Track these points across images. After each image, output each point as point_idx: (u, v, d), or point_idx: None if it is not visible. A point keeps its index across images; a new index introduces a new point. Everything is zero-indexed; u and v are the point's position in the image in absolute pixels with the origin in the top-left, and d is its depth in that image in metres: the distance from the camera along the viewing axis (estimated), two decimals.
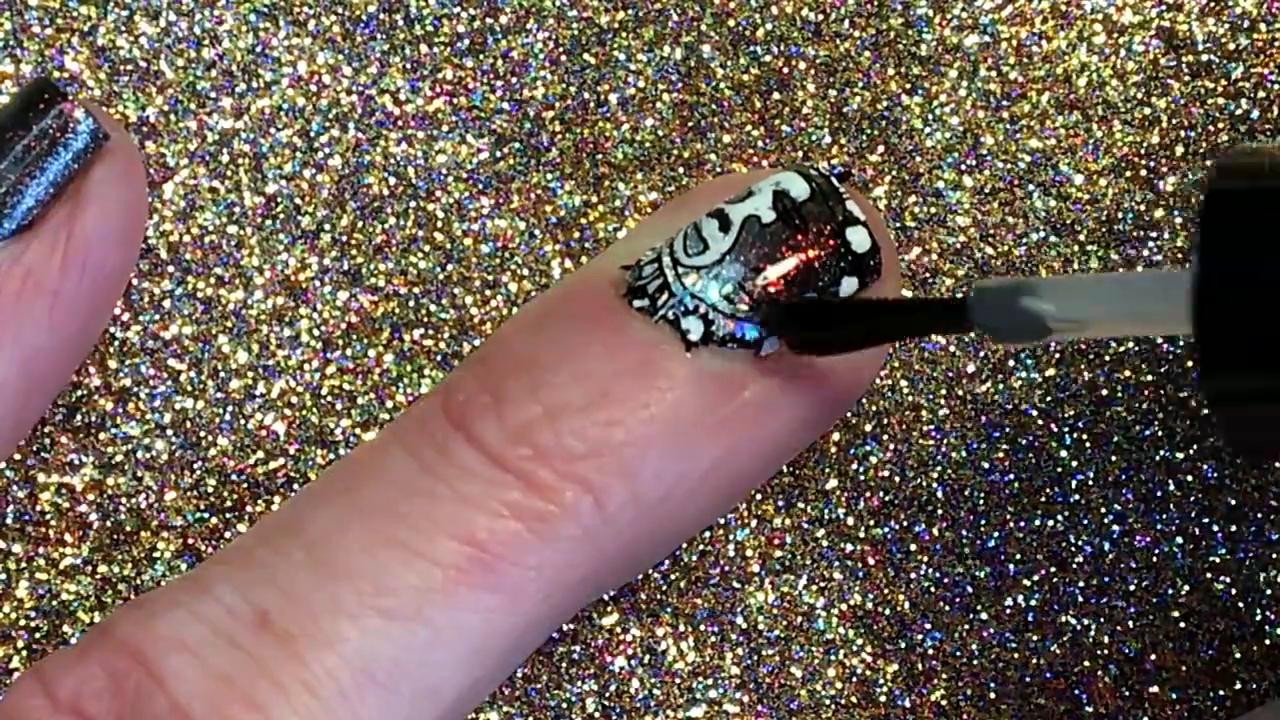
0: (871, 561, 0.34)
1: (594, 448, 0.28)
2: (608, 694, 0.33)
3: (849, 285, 0.29)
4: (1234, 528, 0.34)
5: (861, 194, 0.30)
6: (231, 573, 0.28)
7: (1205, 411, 0.34)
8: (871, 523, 0.34)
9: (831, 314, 0.29)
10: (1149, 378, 0.34)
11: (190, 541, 0.33)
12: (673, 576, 0.33)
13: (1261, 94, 0.34)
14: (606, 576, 0.30)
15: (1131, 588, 0.34)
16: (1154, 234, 0.34)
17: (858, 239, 0.29)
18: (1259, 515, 0.34)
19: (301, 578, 0.28)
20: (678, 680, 0.33)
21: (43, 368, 0.31)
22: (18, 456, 0.33)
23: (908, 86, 0.34)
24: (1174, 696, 0.34)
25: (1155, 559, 0.34)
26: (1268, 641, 0.34)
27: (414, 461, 0.29)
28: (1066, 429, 0.34)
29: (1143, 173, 0.34)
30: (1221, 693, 0.34)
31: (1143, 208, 0.34)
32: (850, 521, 0.34)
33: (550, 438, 0.28)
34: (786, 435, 0.30)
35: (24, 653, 0.33)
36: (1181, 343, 0.34)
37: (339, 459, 0.31)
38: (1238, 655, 0.34)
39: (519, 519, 0.28)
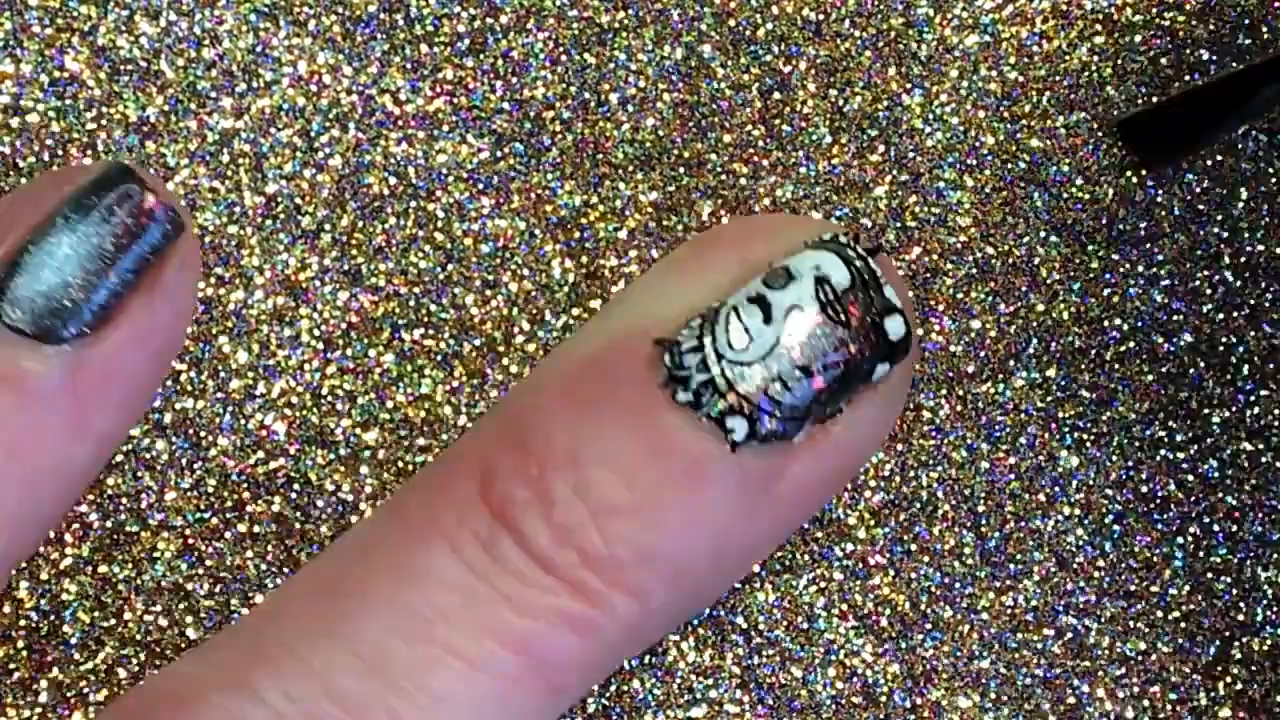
0: (871, 561, 0.34)
1: (641, 556, 0.28)
2: (608, 694, 0.33)
3: (882, 370, 0.29)
4: (1234, 528, 0.34)
5: (890, 263, 0.30)
6: (279, 677, 0.28)
7: (1205, 411, 0.34)
8: (871, 523, 0.34)
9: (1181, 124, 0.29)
10: (1149, 378, 0.34)
11: (190, 541, 0.33)
12: None
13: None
14: (638, 650, 0.30)
15: (1131, 588, 0.34)
16: (1154, 234, 0.34)
17: (894, 327, 0.29)
18: (1259, 515, 0.34)
19: (355, 688, 0.27)
20: (678, 680, 0.33)
21: (112, 448, 0.31)
22: None
23: (908, 86, 0.34)
24: (1174, 696, 0.34)
25: (1155, 559, 0.34)
26: (1268, 641, 0.34)
27: (460, 562, 0.28)
28: (1066, 429, 0.34)
29: (1143, 173, 0.34)
30: (1221, 693, 0.34)
31: (1143, 208, 0.34)
32: (850, 521, 0.34)
33: (598, 544, 0.28)
34: (812, 508, 0.31)
35: (24, 653, 0.33)
36: (1179, 344, 0.34)
37: (366, 523, 0.30)
38: (1238, 655, 0.34)
39: (569, 626, 0.28)
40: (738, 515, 0.29)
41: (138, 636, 0.33)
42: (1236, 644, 0.34)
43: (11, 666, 0.33)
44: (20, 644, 0.33)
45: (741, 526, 0.29)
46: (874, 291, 0.29)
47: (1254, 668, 0.34)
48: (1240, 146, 0.34)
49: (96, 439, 0.30)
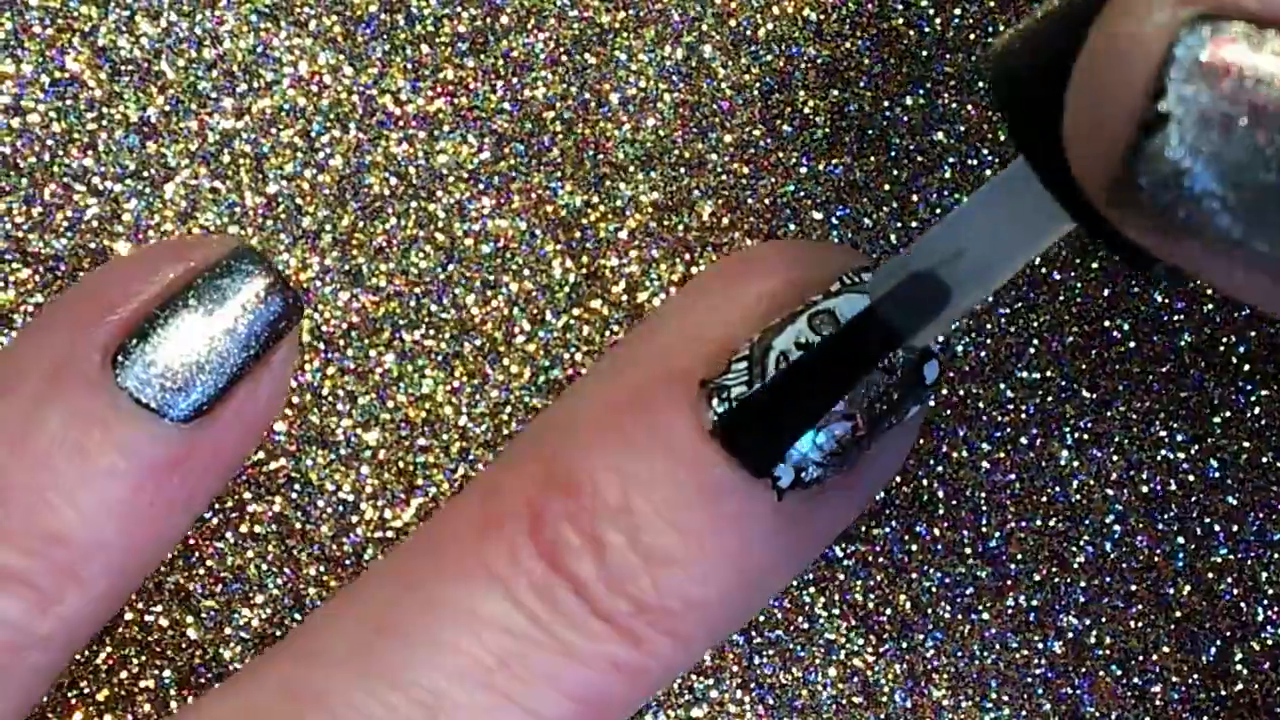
0: (871, 561, 0.34)
1: (690, 605, 0.29)
2: None
3: (913, 410, 0.29)
4: (1234, 528, 0.34)
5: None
6: None
7: (1205, 411, 0.34)
8: (871, 523, 0.34)
9: (770, 424, 0.29)
10: (1150, 378, 0.34)
11: (190, 541, 0.33)
12: None
13: None
14: (669, 684, 0.31)
15: (1132, 588, 0.34)
16: None
17: (930, 372, 0.29)
18: (1259, 515, 0.34)
19: None
20: (679, 680, 0.33)
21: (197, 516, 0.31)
22: None
23: (908, 86, 0.34)
24: (1174, 696, 0.34)
25: (1155, 559, 0.34)
26: (1268, 641, 0.34)
27: (517, 608, 0.28)
28: (1066, 429, 0.34)
29: None
30: (1222, 693, 0.34)
31: None
32: None
33: (651, 594, 0.28)
34: (836, 535, 0.31)
35: None
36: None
37: (405, 558, 0.30)
38: (1238, 655, 0.34)
39: (621, 673, 0.29)
40: (777, 556, 0.29)
41: (138, 636, 0.33)
42: (1237, 644, 0.34)
43: None
44: None
45: (779, 565, 0.30)
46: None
47: (1254, 668, 0.34)
48: None
49: (193, 512, 0.30)
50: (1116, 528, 0.34)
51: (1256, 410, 0.34)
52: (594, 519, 0.28)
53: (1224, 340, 0.34)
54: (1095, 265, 0.34)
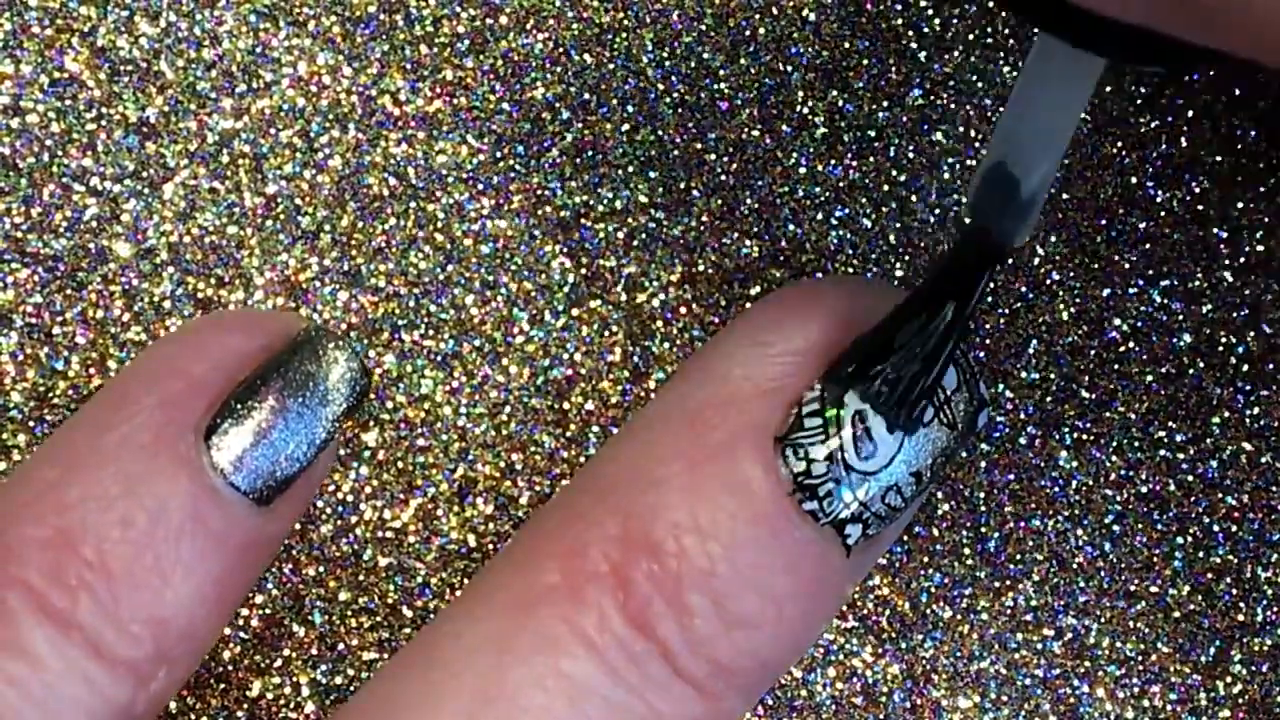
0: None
1: (764, 664, 0.29)
2: None
3: (960, 453, 0.30)
4: (1234, 528, 0.34)
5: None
6: None
7: (1205, 411, 0.34)
8: None
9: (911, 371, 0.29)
10: (1149, 378, 0.34)
11: None
12: None
13: (1260, 96, 0.34)
14: None
15: (1131, 588, 0.34)
16: (1154, 234, 0.34)
17: (982, 420, 0.30)
18: (1259, 515, 0.34)
19: None
20: None
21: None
22: (16, 456, 0.33)
23: (908, 86, 0.34)
24: (1174, 696, 0.34)
25: (1155, 559, 0.34)
26: (1268, 641, 0.34)
27: (607, 673, 0.28)
28: (1066, 429, 0.34)
29: (1143, 173, 0.34)
30: (1221, 693, 0.34)
31: (1143, 208, 0.34)
32: None
33: (731, 656, 0.29)
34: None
35: None
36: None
37: (484, 619, 0.30)
38: (1238, 655, 0.34)
39: None
40: (837, 605, 0.30)
41: None
42: (1236, 644, 0.34)
43: None
44: None
45: (835, 611, 0.31)
46: (972, 388, 0.30)
47: (1254, 668, 0.34)
48: (1240, 146, 0.34)
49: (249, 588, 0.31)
50: (1116, 528, 0.34)
51: (1256, 410, 0.34)
52: (680, 583, 0.28)
53: (1224, 340, 0.34)
54: (1095, 265, 0.34)
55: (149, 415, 0.29)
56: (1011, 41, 0.34)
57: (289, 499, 0.30)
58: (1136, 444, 0.34)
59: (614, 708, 0.28)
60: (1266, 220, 0.34)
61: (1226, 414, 0.34)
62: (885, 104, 0.34)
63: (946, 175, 0.34)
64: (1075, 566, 0.34)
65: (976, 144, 0.34)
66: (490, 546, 0.34)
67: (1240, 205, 0.34)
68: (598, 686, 0.28)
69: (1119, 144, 0.34)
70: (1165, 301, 0.34)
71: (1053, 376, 0.34)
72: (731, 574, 0.28)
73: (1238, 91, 0.34)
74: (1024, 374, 0.34)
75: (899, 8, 0.34)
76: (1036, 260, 0.34)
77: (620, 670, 0.28)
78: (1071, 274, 0.34)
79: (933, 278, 0.29)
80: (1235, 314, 0.34)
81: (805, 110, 0.34)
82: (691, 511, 0.29)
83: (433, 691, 0.28)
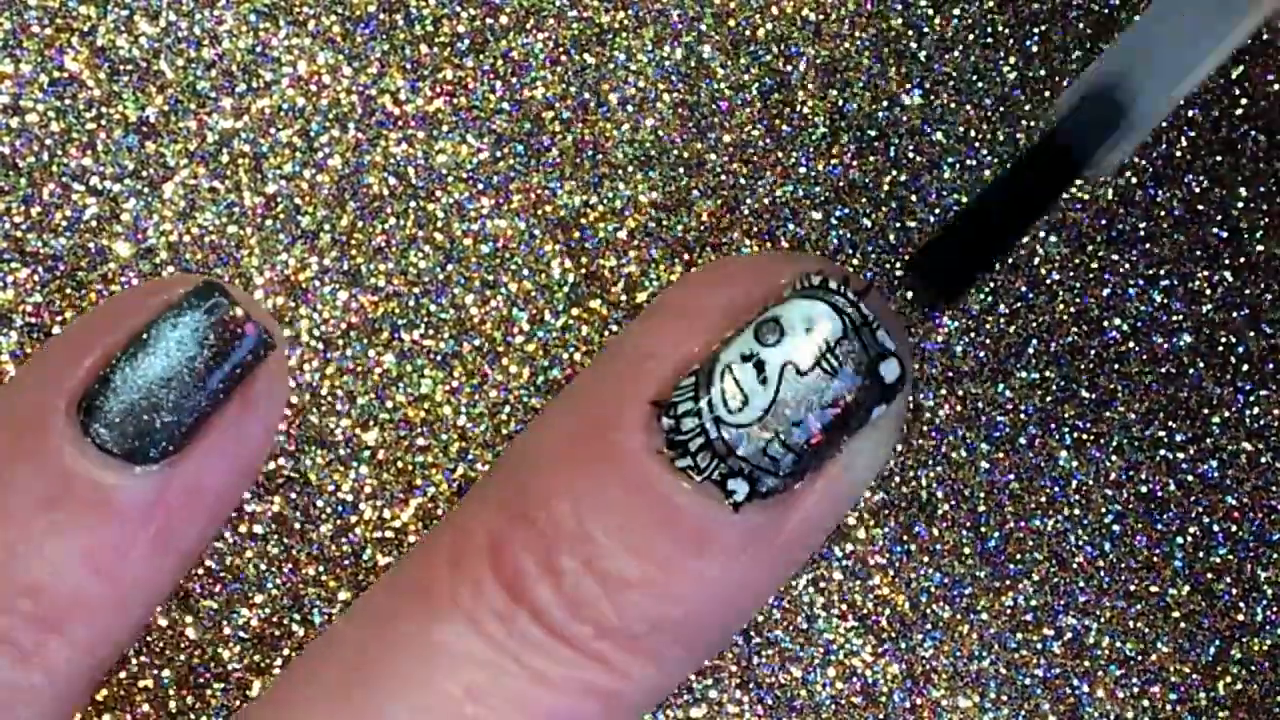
0: (871, 562, 0.34)
1: (655, 625, 0.29)
2: None
3: (878, 412, 0.29)
4: (1234, 528, 0.34)
5: (880, 300, 0.29)
6: None
7: (1205, 411, 0.34)
8: (871, 523, 0.34)
9: (958, 257, 0.28)
10: (1149, 378, 0.34)
11: None
12: None
13: (1260, 96, 0.34)
14: (656, 704, 0.31)
15: (1131, 588, 0.34)
16: (1154, 234, 0.34)
17: (889, 371, 0.29)
18: (1259, 515, 0.34)
19: None
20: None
21: (195, 558, 0.31)
22: None
23: (908, 87, 0.34)
24: (1174, 696, 0.34)
25: (1155, 559, 0.34)
26: (1268, 641, 0.34)
27: (482, 638, 0.28)
28: (1066, 429, 0.34)
29: (1143, 174, 0.34)
30: (1221, 693, 0.34)
31: (1143, 208, 0.34)
32: (850, 521, 0.34)
33: (612, 617, 0.28)
34: (814, 547, 0.31)
35: None
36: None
37: (374, 600, 0.30)
38: (1238, 655, 0.34)
39: (593, 697, 0.29)
40: (745, 570, 0.29)
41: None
42: (1236, 644, 0.34)
43: None
44: None
45: (749, 579, 0.30)
46: (866, 337, 0.29)
47: (1254, 668, 0.34)
48: (1240, 146, 0.34)
49: (181, 554, 0.30)
50: (1116, 528, 0.34)
51: (1256, 410, 0.34)
52: (550, 546, 0.28)
53: (1223, 340, 0.34)
54: (1095, 265, 0.34)
55: (27, 393, 0.29)
56: (1011, 41, 0.34)
57: (194, 461, 0.29)
58: (1136, 444, 0.34)
59: (489, 672, 0.28)
60: (1266, 220, 0.34)
61: (1226, 414, 0.34)
62: (885, 104, 0.34)
63: (947, 175, 0.34)
64: (1075, 566, 0.34)
65: (976, 144, 0.34)
66: None
67: (1240, 205, 0.34)
68: (471, 652, 0.28)
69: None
70: (1165, 301, 0.34)
71: (1053, 376, 0.34)
72: (602, 536, 0.28)
73: (1238, 92, 0.34)
74: (1024, 374, 0.34)
75: (899, 8, 0.34)
76: (1036, 260, 0.34)
77: (496, 636, 0.28)
78: (1071, 274, 0.34)
79: (983, 193, 0.27)
80: (1235, 314, 0.34)
81: (805, 110, 0.34)
82: (568, 480, 0.29)
83: (315, 665, 0.29)
